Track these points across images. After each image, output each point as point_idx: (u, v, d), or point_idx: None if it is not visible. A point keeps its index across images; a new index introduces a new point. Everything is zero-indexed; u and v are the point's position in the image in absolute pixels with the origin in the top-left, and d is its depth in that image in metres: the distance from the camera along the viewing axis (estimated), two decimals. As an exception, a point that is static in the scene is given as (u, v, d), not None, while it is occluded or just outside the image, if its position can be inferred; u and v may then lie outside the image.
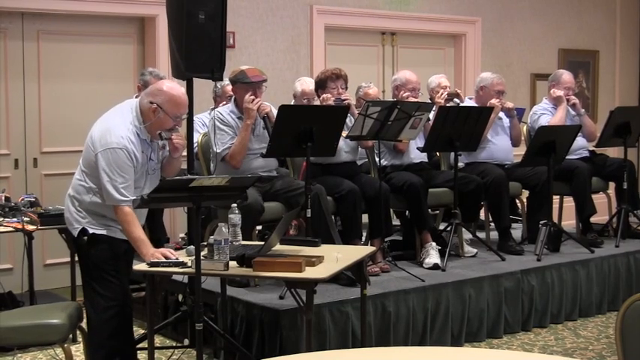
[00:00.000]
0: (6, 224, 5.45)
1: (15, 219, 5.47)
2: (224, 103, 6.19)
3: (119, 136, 4.25)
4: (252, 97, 5.50)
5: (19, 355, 5.44)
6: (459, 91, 7.48)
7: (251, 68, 5.70)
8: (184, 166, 5.26)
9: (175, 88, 4.39)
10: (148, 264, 4.24)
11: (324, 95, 6.02)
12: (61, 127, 7.08)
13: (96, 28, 7.28)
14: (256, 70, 5.67)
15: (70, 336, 5.05)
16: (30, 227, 5.43)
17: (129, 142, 4.25)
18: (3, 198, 5.71)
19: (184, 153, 4.69)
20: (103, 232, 4.34)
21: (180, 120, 4.42)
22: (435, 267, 5.95)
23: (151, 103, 4.31)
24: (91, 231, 4.32)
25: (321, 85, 6.13)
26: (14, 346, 5.19)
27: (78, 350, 5.27)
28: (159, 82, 4.52)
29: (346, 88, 6.13)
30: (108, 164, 4.22)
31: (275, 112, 5.37)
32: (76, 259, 4.87)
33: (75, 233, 4.38)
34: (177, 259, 4.23)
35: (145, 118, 4.33)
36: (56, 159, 7.05)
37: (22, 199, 5.76)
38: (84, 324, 4.51)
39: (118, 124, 4.30)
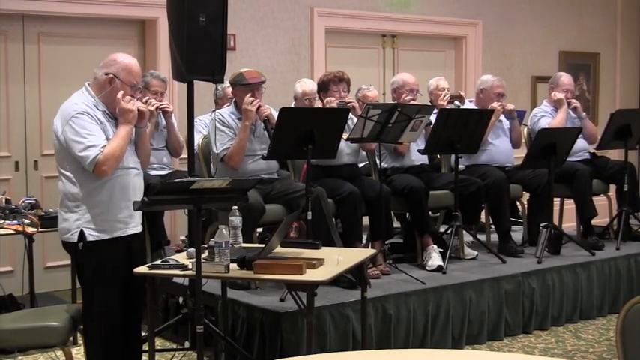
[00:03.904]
0: (7, 227, 5.45)
1: (15, 221, 5.47)
2: (227, 105, 6.19)
3: (73, 103, 4.27)
4: (252, 98, 5.51)
5: (20, 357, 5.44)
6: (462, 93, 7.48)
7: (249, 70, 5.72)
8: (185, 168, 5.26)
9: (128, 57, 4.45)
10: (148, 266, 4.23)
11: (328, 98, 6.04)
12: (61, 130, 7.06)
13: (97, 31, 7.28)
14: (254, 72, 5.69)
15: (71, 338, 5.06)
16: (30, 230, 5.43)
17: (86, 107, 4.25)
18: (4, 200, 5.71)
19: (184, 155, 4.67)
20: (103, 235, 4.26)
21: (136, 89, 4.43)
22: (439, 269, 5.95)
23: (107, 74, 4.33)
24: (88, 238, 4.23)
25: (323, 87, 6.14)
26: (15, 348, 5.21)
27: (78, 352, 5.27)
28: (111, 54, 4.52)
29: (348, 91, 6.15)
30: (74, 132, 4.18)
31: (275, 114, 5.37)
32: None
33: (75, 238, 4.24)
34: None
35: (101, 90, 4.34)
36: (57, 161, 7.04)
37: (23, 202, 5.76)
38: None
39: (69, 102, 4.32)
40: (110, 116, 4.34)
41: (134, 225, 4.39)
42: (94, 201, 4.24)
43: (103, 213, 4.25)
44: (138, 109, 4.35)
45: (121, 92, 4.28)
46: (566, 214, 7.56)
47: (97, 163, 4.13)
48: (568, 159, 6.77)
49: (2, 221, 5.48)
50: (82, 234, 4.23)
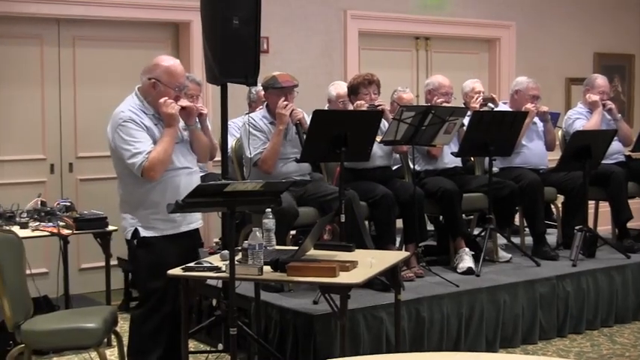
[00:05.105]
0: (42, 228, 5.49)
1: (50, 223, 5.52)
2: (260, 108, 6.20)
3: (120, 112, 4.42)
4: (286, 102, 5.51)
5: (55, 358, 5.49)
6: (494, 95, 7.44)
7: (282, 74, 5.72)
8: (218, 170, 5.27)
9: (170, 59, 4.56)
10: (182, 269, 4.25)
11: (358, 102, 6.00)
12: (96, 133, 7.09)
13: (131, 34, 7.34)
14: (287, 76, 5.68)
15: (105, 340, 5.09)
16: (65, 231, 5.47)
17: (132, 113, 4.39)
18: (39, 202, 5.76)
19: (218, 157, 4.71)
20: (156, 233, 4.44)
21: (181, 90, 4.54)
22: (469, 271, 5.92)
23: (150, 79, 4.45)
24: (142, 234, 4.42)
25: (353, 91, 6.11)
26: (50, 349, 5.25)
27: (112, 354, 5.30)
28: (155, 58, 4.61)
29: (379, 93, 6.11)
30: (121, 140, 4.36)
31: (308, 118, 5.37)
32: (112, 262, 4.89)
33: (128, 236, 4.49)
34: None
35: (147, 95, 4.47)
36: (91, 164, 7.11)
37: (58, 204, 5.80)
38: (119, 328, 4.55)
39: (118, 109, 4.47)
40: (159, 118, 4.47)
41: (187, 222, 4.56)
42: (147, 202, 4.44)
43: (155, 213, 4.44)
44: (183, 107, 4.49)
45: (164, 98, 4.40)
46: (601, 216, 7.49)
47: (144, 169, 4.32)
48: (603, 161, 6.71)
49: (37, 223, 5.53)
50: (135, 232, 4.44)
